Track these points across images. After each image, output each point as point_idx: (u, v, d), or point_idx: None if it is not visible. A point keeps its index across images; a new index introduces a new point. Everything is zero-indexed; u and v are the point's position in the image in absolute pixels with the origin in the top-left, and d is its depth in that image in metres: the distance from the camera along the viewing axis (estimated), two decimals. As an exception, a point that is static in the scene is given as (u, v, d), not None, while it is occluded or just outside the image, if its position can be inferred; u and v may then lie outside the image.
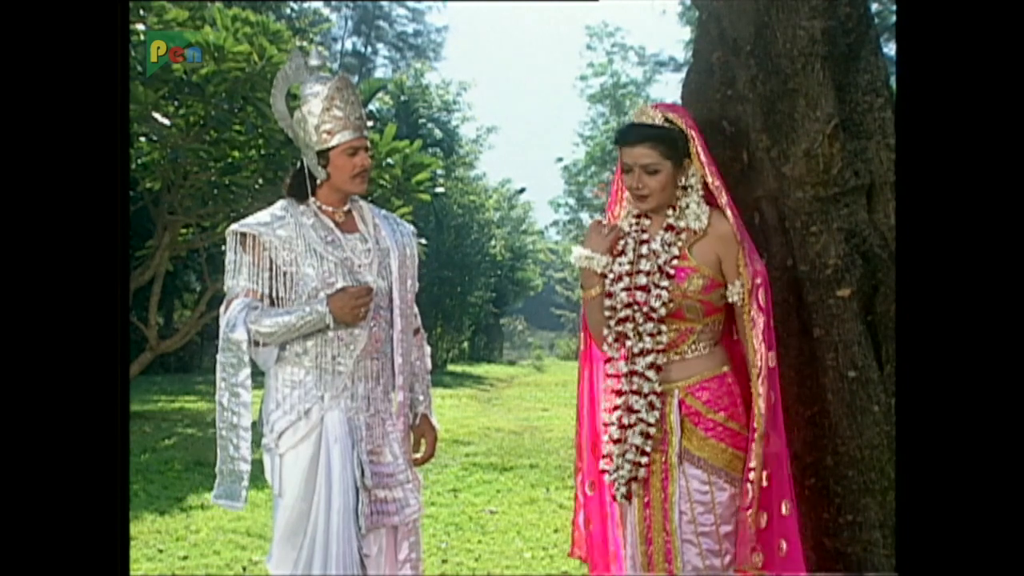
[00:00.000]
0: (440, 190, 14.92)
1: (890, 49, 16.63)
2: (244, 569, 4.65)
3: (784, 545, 2.65)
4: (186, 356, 17.66)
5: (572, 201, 31.23)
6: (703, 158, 2.70)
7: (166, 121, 8.15)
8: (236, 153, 8.73)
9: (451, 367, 21.12)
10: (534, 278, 28.73)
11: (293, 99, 3.00)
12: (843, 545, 2.88)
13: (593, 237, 2.80)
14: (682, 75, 3.77)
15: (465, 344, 25.79)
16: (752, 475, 2.62)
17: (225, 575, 4.57)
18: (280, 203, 2.90)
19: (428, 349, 3.13)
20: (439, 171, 15.76)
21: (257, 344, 2.75)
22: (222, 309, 2.81)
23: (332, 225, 2.86)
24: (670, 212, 2.74)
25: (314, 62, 2.85)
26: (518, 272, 27.09)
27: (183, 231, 9.96)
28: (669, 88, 30.27)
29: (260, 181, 8.80)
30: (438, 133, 21.89)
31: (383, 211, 3.06)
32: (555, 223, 32.79)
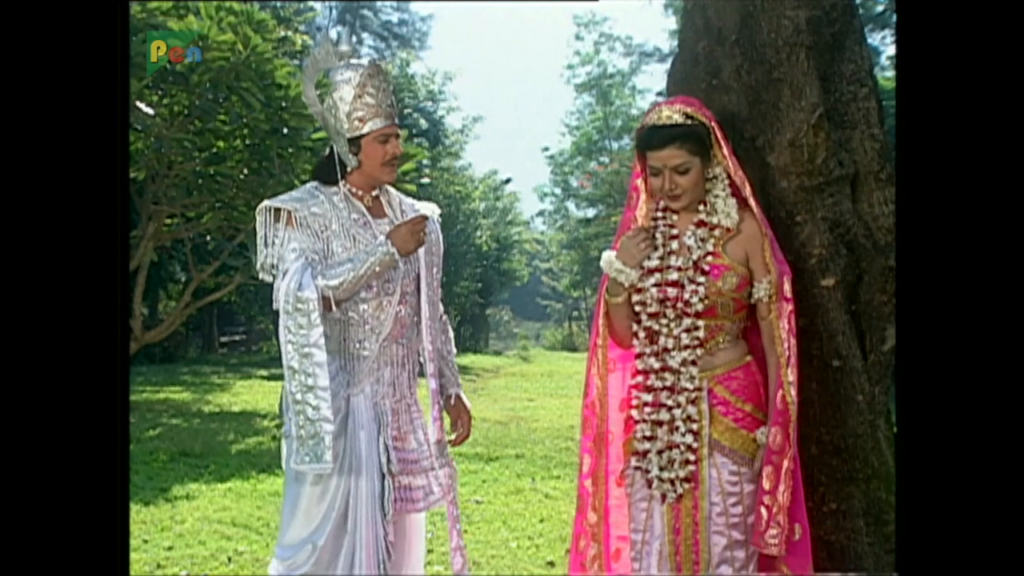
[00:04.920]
0: (426, 180, 14.94)
1: (874, 39, 16.69)
2: (229, 560, 4.64)
3: (799, 531, 2.66)
4: (171, 347, 17.66)
5: (558, 191, 31.24)
6: (725, 149, 2.72)
7: (150, 111, 8.10)
8: (221, 143, 8.69)
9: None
10: (520, 268, 28.81)
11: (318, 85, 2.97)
12: (827, 533, 2.89)
13: (629, 248, 2.74)
14: (667, 65, 3.78)
15: (451, 334, 25.79)
16: (787, 461, 2.62)
17: (210, 565, 4.56)
18: (308, 185, 2.88)
19: (451, 332, 3.15)
20: (424, 161, 15.73)
21: (327, 301, 2.68)
22: (276, 283, 2.74)
23: (363, 209, 2.86)
24: (701, 208, 2.74)
25: (344, 48, 2.82)
26: (504, 262, 27.15)
27: (168, 221, 9.91)
28: (655, 78, 30.33)
29: (245, 171, 8.77)
30: (423, 123, 21.86)
31: (409, 198, 3.05)
32: (541, 213, 32.84)
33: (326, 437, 2.63)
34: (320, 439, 2.63)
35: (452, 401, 3.07)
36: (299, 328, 2.66)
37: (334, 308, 2.71)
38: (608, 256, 2.78)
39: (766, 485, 2.62)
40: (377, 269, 2.71)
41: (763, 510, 2.62)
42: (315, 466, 2.65)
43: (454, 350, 3.13)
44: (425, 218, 2.78)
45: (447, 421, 3.05)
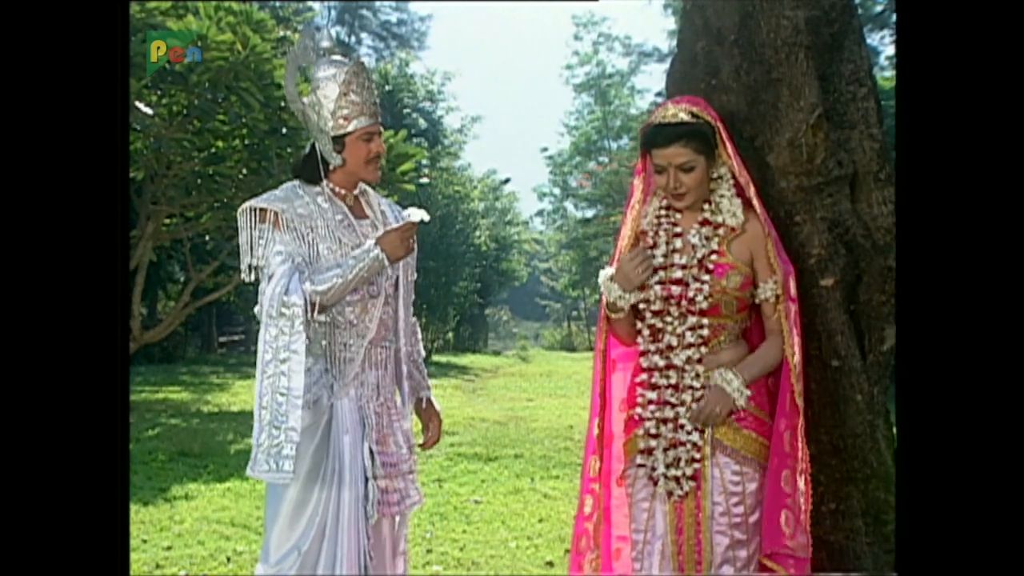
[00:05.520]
0: (425, 180, 14.95)
1: (874, 39, 16.70)
2: (228, 559, 4.64)
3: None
4: (170, 346, 17.63)
5: (557, 191, 31.25)
6: (729, 149, 2.72)
7: (149, 111, 8.11)
8: (220, 143, 8.70)
9: (436, 357, 21.11)
10: (519, 268, 28.78)
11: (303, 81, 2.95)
12: (826, 533, 2.89)
13: (626, 272, 2.73)
14: (666, 65, 3.77)
15: (450, 334, 25.80)
16: (802, 463, 2.62)
17: (209, 565, 4.56)
18: (290, 183, 2.86)
19: (419, 334, 3.14)
20: (424, 161, 15.75)
21: (314, 307, 2.64)
22: (262, 287, 2.69)
23: (346, 209, 2.84)
24: (705, 206, 2.75)
25: (325, 44, 2.80)
26: (503, 262, 27.12)
27: (167, 221, 9.93)
28: (654, 78, 30.42)
29: (244, 171, 8.78)
30: (423, 123, 21.86)
31: (386, 199, 3.05)
32: (540, 213, 32.83)
33: (288, 446, 2.58)
34: (281, 447, 2.59)
35: (423, 404, 3.05)
36: (281, 334, 2.61)
37: (321, 312, 2.68)
38: (605, 279, 2.78)
39: (786, 488, 2.61)
40: (365, 275, 2.70)
41: (786, 514, 2.60)
42: (274, 475, 2.59)
43: (423, 352, 3.12)
44: (414, 225, 2.76)
45: (417, 424, 3.04)
